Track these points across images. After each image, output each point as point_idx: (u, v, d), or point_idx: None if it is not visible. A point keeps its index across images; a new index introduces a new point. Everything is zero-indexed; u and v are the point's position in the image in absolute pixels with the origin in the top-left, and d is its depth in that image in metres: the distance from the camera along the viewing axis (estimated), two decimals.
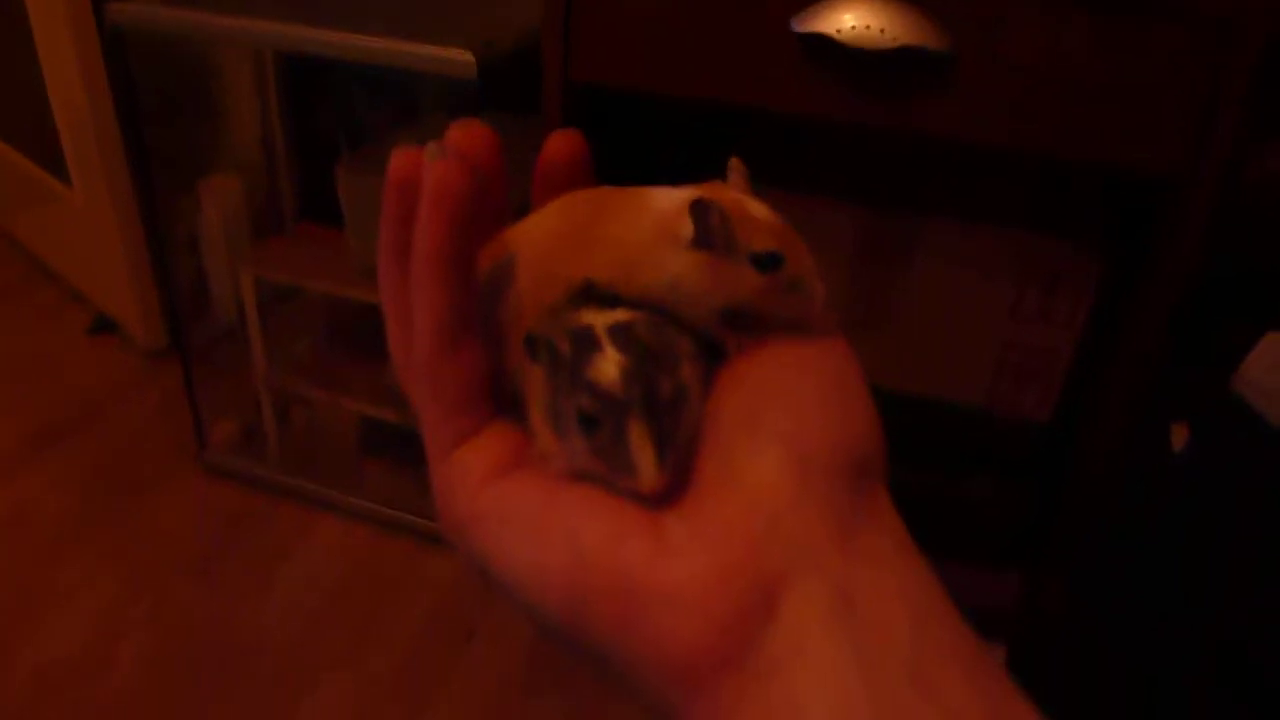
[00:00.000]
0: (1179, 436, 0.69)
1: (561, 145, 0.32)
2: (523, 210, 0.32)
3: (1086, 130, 0.87)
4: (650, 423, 0.25)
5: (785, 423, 0.27)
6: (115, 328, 2.05)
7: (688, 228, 0.28)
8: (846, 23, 0.87)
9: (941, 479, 1.15)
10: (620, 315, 0.27)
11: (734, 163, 0.32)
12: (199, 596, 1.50)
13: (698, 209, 0.27)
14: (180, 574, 1.53)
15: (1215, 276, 0.93)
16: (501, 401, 0.29)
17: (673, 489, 0.26)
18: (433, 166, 0.27)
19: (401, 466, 1.69)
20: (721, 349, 0.29)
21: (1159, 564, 0.68)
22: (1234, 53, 0.81)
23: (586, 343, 0.26)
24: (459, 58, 1.14)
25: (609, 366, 0.26)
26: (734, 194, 0.30)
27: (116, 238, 1.83)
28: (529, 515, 0.27)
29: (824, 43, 0.88)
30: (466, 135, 0.29)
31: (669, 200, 0.29)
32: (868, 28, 0.87)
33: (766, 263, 0.28)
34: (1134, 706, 0.69)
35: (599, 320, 0.27)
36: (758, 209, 0.30)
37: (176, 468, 1.72)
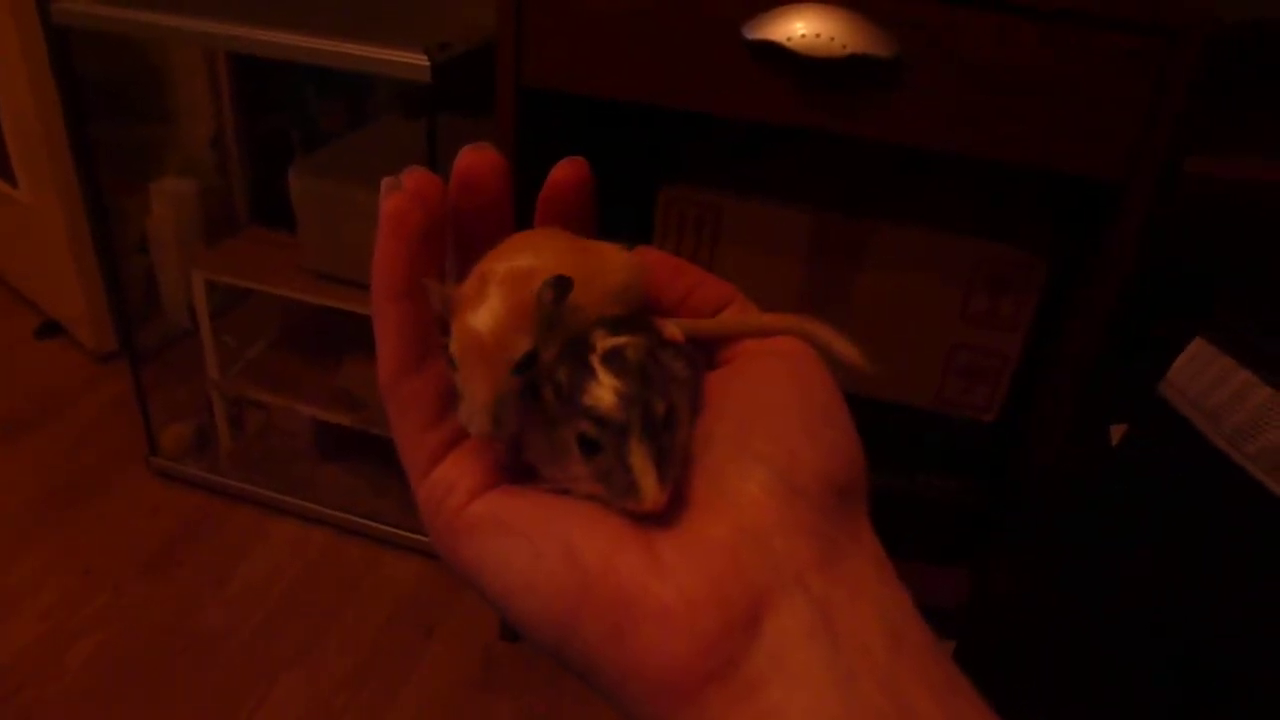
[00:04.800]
0: (1117, 437, 0.71)
1: (568, 172, 0.33)
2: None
3: (1030, 136, 0.90)
4: (650, 444, 0.26)
5: (772, 448, 0.28)
6: (63, 330, 2.01)
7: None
8: (797, 31, 0.88)
9: (891, 478, 1.17)
10: (619, 340, 0.28)
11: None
12: (153, 597, 1.48)
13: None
14: (133, 575, 1.51)
15: (1154, 279, 0.96)
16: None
17: (671, 507, 0.27)
18: (388, 199, 0.28)
19: (357, 470, 1.68)
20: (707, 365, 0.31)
21: (1101, 558, 0.70)
22: (1174, 61, 0.83)
23: (581, 370, 0.27)
24: (413, 60, 1.14)
25: (605, 393, 0.27)
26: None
27: (64, 239, 1.80)
28: (526, 524, 0.27)
29: (775, 50, 0.89)
30: (472, 161, 0.30)
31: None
32: (818, 36, 0.88)
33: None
34: (1079, 696, 0.71)
35: (598, 344, 0.28)
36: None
37: (127, 471, 1.70)
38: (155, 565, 1.53)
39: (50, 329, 2.03)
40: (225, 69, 1.84)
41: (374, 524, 1.59)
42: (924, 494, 1.18)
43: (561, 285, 0.27)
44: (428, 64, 1.13)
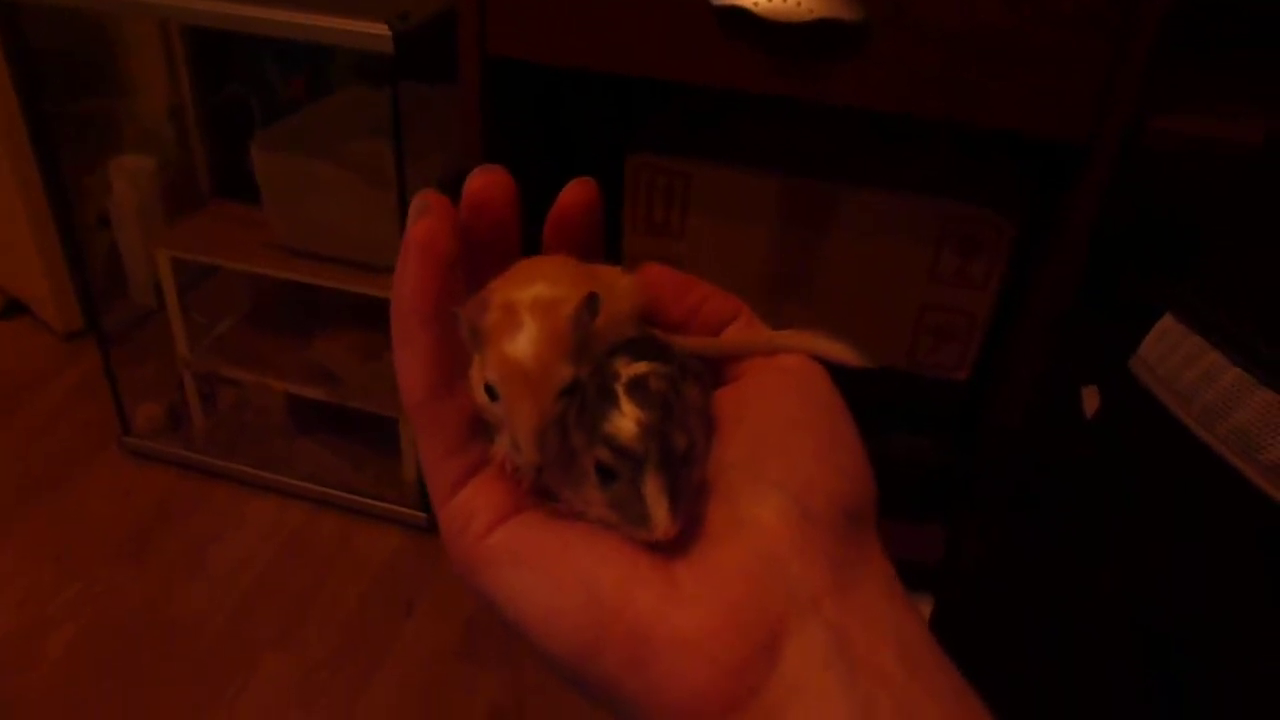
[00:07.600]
0: (1091, 400, 0.72)
1: (578, 194, 0.32)
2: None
3: (996, 98, 0.89)
4: (665, 476, 0.26)
5: (786, 473, 0.28)
6: (27, 310, 1.98)
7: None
8: None
9: (865, 438, 1.18)
10: (642, 368, 0.28)
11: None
12: (130, 580, 1.48)
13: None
14: (109, 559, 1.50)
15: (1127, 239, 0.96)
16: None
17: (684, 538, 0.27)
18: (417, 222, 0.28)
19: (332, 444, 1.68)
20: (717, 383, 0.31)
21: (1073, 526, 0.71)
22: (1136, 20, 0.83)
23: (604, 397, 0.27)
24: (374, 31, 1.12)
25: (627, 422, 0.27)
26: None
27: (23, 218, 1.77)
28: (543, 558, 0.27)
29: (741, 15, 0.89)
30: (485, 183, 0.30)
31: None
32: (784, 0, 0.87)
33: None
34: (1051, 653, 0.73)
35: (622, 371, 0.28)
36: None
37: (99, 452, 1.68)
38: (131, 549, 1.52)
39: (14, 309, 2.00)
40: (180, 39, 1.80)
41: (351, 496, 1.58)
42: (898, 454, 1.20)
43: (595, 304, 0.28)
44: (389, 34, 1.11)
